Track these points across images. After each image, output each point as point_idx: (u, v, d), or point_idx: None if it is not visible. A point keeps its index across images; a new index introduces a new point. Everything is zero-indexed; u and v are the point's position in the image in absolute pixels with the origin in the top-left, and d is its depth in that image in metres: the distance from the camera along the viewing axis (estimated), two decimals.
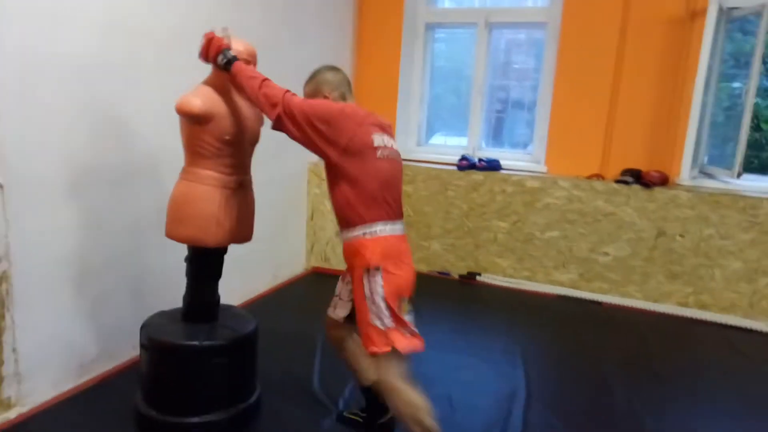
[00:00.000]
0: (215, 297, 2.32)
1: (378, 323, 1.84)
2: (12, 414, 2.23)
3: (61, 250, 2.38)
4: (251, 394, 2.33)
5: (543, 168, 4.33)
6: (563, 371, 3.00)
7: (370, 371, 2.05)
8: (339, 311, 2.17)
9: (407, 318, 1.90)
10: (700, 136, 3.94)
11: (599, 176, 4.13)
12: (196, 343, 2.15)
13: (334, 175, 1.91)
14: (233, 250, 2.34)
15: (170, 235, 2.17)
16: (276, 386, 2.55)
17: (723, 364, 3.16)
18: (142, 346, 2.23)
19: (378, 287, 1.83)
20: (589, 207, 4.04)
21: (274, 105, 1.88)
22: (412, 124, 4.83)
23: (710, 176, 4.01)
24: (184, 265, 2.28)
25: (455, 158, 4.44)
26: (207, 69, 2.21)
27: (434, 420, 1.89)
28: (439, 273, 4.46)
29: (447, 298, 4.01)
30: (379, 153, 1.90)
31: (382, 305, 1.83)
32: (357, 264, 1.88)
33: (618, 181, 3.97)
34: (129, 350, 2.74)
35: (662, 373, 2.97)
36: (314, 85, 2.04)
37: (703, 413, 2.62)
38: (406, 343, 1.86)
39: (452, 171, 4.36)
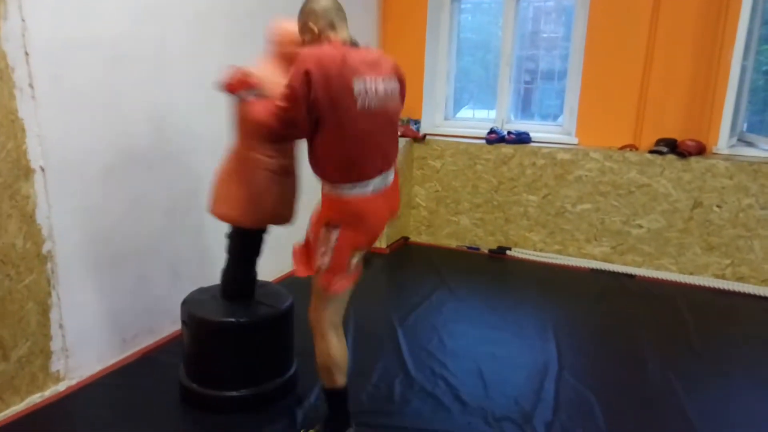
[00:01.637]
0: (253, 274, 2.37)
1: (321, 264, 1.85)
2: (61, 387, 2.34)
3: (101, 231, 2.45)
4: (288, 369, 2.39)
5: (574, 140, 4.25)
6: (596, 345, 2.99)
7: (310, 313, 2.00)
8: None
9: (353, 264, 1.90)
10: (739, 103, 3.80)
11: (632, 147, 4.03)
12: (233, 319, 2.21)
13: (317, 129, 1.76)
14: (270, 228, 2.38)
15: (211, 211, 2.23)
16: (311, 361, 2.60)
17: (761, 337, 3.09)
18: (183, 321, 2.30)
19: (332, 239, 1.82)
20: (622, 179, 3.95)
21: (261, 117, 1.83)
22: (438, 98, 4.77)
23: (750, 144, 3.88)
24: (219, 245, 2.33)
25: (483, 132, 4.39)
26: (235, 53, 2.23)
27: (344, 379, 1.96)
28: (469, 248, 4.45)
29: (477, 273, 4.01)
30: (359, 103, 1.71)
31: (328, 254, 1.84)
32: (321, 216, 1.87)
33: (652, 152, 3.87)
34: (168, 325, 2.84)
35: (698, 347, 2.93)
36: (301, 21, 1.85)
37: (741, 388, 2.58)
38: (339, 285, 1.87)
39: (481, 145, 4.31)
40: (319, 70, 1.66)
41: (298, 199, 2.33)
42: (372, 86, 1.76)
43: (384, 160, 1.88)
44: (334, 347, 1.94)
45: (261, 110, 1.84)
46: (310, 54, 1.70)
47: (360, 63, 1.75)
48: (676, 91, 3.90)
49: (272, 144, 2.10)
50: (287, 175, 2.22)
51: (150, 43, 2.57)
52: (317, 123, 1.73)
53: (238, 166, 2.15)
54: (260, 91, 1.94)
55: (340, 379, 1.97)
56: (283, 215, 2.28)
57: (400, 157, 4.29)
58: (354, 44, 1.85)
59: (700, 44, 3.79)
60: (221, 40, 2.97)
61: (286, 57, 2.04)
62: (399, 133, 2.02)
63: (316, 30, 1.82)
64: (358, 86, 1.71)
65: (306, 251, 1.95)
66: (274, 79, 2.00)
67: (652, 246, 3.95)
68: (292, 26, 2.01)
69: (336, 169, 1.80)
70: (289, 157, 2.21)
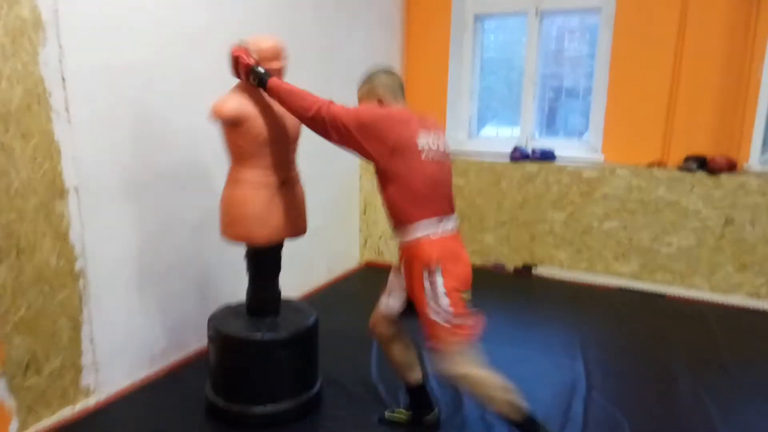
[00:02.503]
0: (276, 292, 2.39)
1: (439, 319, 1.90)
2: (91, 401, 2.39)
3: (131, 249, 2.52)
4: (313, 386, 2.40)
5: (600, 157, 4.21)
6: (625, 364, 2.92)
7: (442, 366, 1.99)
8: (392, 302, 2.18)
9: (468, 304, 1.97)
10: None
11: (660, 164, 3.97)
12: (257, 335, 2.23)
13: (382, 177, 1.98)
14: (290, 244, 2.41)
15: (223, 234, 2.26)
16: (336, 378, 2.61)
17: None
18: (209, 337, 2.34)
19: (439, 285, 1.89)
20: (650, 196, 3.89)
21: (310, 112, 1.95)
22: (462, 117, 4.79)
23: None
24: (243, 262, 2.37)
25: (507, 150, 4.38)
26: None
27: (521, 398, 1.95)
28: (494, 266, 4.42)
29: (502, 291, 3.97)
30: (424, 155, 1.94)
31: (444, 301, 1.89)
32: (416, 264, 1.93)
33: (681, 168, 3.81)
34: (195, 342, 2.88)
35: (731, 367, 2.84)
36: (369, 87, 2.09)
37: None
38: (469, 331, 1.94)
39: (505, 163, 4.30)
40: (396, 111, 1.99)
41: (305, 206, 2.36)
42: (433, 142, 1.99)
43: (450, 205, 2.04)
44: (492, 378, 1.96)
45: (313, 104, 1.95)
46: (387, 112, 2.00)
47: (421, 124, 1.99)
48: (705, 106, 3.84)
49: (267, 160, 2.15)
50: (289, 187, 2.25)
51: (179, 67, 2.65)
52: (385, 175, 1.95)
53: (237, 188, 2.17)
54: (260, 72, 2.05)
55: (517, 399, 1.95)
56: (295, 227, 2.30)
57: None
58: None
59: (728, 58, 3.74)
60: None
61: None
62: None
63: (384, 100, 2.06)
64: (421, 141, 1.95)
65: (426, 323, 1.95)
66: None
67: (683, 264, 3.86)
68: (262, 42, 2.11)
69: (416, 207, 1.94)
70: (287, 169, 2.24)
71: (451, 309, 1.90)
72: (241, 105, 2.10)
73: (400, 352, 2.23)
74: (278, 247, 2.34)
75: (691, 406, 2.49)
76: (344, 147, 2.00)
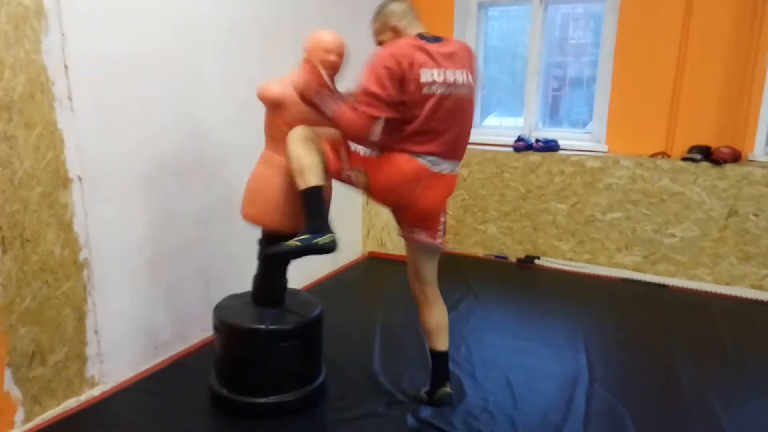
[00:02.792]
0: (282, 282, 2.39)
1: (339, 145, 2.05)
2: (96, 392, 2.40)
3: (135, 239, 2.51)
4: (317, 377, 2.40)
5: (603, 147, 4.19)
6: (628, 356, 2.93)
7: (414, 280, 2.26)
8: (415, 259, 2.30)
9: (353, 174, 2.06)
10: None
11: (664, 154, 3.96)
12: (262, 326, 2.23)
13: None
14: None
15: (241, 213, 2.30)
16: (339, 369, 2.62)
17: None
18: (214, 327, 2.34)
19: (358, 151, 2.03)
20: (653, 186, 3.88)
21: (351, 119, 1.93)
22: None
23: None
24: (249, 253, 2.37)
25: (511, 139, 4.36)
26: (266, 66, 2.28)
27: (319, 179, 2.02)
28: (496, 257, 4.42)
29: (505, 282, 3.97)
30: (426, 89, 1.89)
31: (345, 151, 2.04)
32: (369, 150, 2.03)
33: (685, 159, 3.79)
34: (199, 333, 2.88)
35: (734, 359, 2.85)
36: (381, 20, 2.07)
37: None
38: (334, 164, 2.06)
39: (508, 153, 4.29)
40: (393, 60, 1.86)
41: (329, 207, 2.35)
42: (441, 76, 1.91)
43: (448, 148, 1.99)
44: (303, 151, 2.01)
45: (350, 119, 1.93)
46: (384, 50, 1.92)
47: (430, 55, 1.90)
48: (710, 96, 3.82)
49: None
50: None
51: (183, 56, 2.63)
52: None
53: (266, 170, 2.23)
54: (327, 92, 2.02)
55: (312, 179, 2.02)
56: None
57: None
58: (430, 37, 1.98)
59: (733, 47, 3.71)
60: (252, 53, 3.02)
61: (323, 64, 2.13)
62: (472, 124, 2.12)
63: (398, 27, 2.02)
64: (425, 76, 1.88)
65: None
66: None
67: (686, 255, 3.86)
68: (324, 35, 2.15)
69: (393, 140, 1.95)
70: None
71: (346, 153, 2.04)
72: (285, 90, 2.15)
73: (426, 315, 2.33)
74: (293, 236, 2.33)
75: (694, 398, 2.50)
76: (397, 115, 1.93)
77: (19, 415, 2.12)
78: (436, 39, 1.98)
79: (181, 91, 2.64)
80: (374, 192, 2.08)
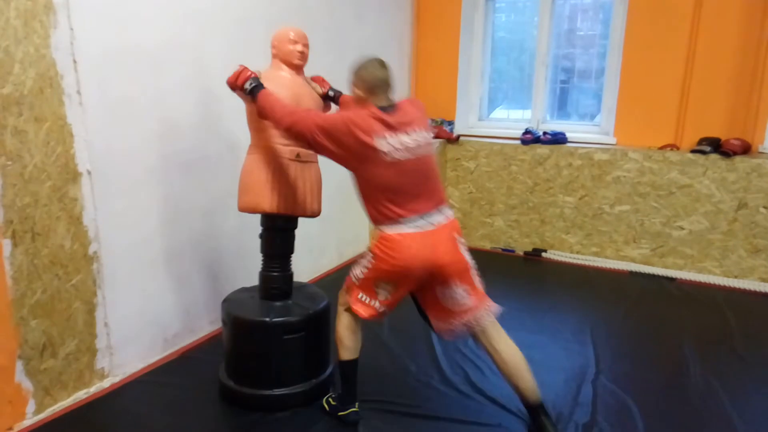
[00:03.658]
0: (287, 273, 2.40)
1: (355, 276, 2.14)
2: (106, 383, 2.42)
3: (144, 232, 2.53)
4: (324, 370, 2.41)
5: (612, 139, 4.16)
6: (635, 349, 2.92)
7: (338, 305, 2.23)
8: None
9: (381, 294, 2.10)
10: None
11: (673, 146, 3.93)
12: (267, 319, 2.24)
13: (353, 179, 2.07)
14: (303, 228, 2.41)
15: (238, 206, 2.32)
16: None
17: None
18: (222, 320, 2.36)
19: (364, 264, 2.10)
20: (662, 179, 3.86)
21: (284, 124, 2.06)
22: (472, 99, 4.74)
23: None
24: (257, 247, 2.37)
25: (518, 132, 4.34)
26: (271, 56, 2.29)
27: (352, 355, 2.19)
28: (503, 250, 4.41)
29: (512, 275, 3.97)
30: (389, 158, 1.96)
31: (362, 271, 2.11)
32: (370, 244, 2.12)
33: (694, 151, 3.77)
34: (207, 325, 2.90)
35: (743, 352, 2.84)
36: (353, 78, 2.10)
37: None
38: (361, 306, 2.12)
39: (516, 145, 4.27)
40: (350, 132, 1.95)
41: (321, 189, 2.38)
42: (401, 141, 1.98)
43: (425, 202, 2.04)
44: (346, 327, 2.17)
45: (288, 117, 2.05)
46: (346, 119, 1.99)
47: (387, 124, 1.97)
48: (720, 88, 3.78)
49: (277, 133, 2.22)
50: (305, 162, 2.29)
51: (190, 49, 2.64)
52: (354, 178, 2.05)
53: (250, 157, 2.28)
54: (258, 80, 2.13)
55: (345, 354, 2.19)
56: (307, 204, 2.32)
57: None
58: (387, 107, 2.03)
59: (744, 39, 3.67)
60: (258, 45, 3.01)
61: (286, 59, 2.26)
62: (438, 173, 2.21)
63: (358, 93, 2.07)
64: (383, 144, 1.95)
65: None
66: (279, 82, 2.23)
67: (695, 248, 3.84)
68: (288, 30, 2.28)
69: (375, 212, 2.05)
70: (300, 144, 2.27)
71: (360, 277, 2.11)
72: (262, 77, 2.20)
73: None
74: (290, 224, 2.35)
75: (702, 391, 2.49)
76: (322, 154, 2.08)
77: (31, 407, 2.15)
78: (392, 107, 2.04)
79: (189, 84, 2.65)
80: (399, 277, 2.08)
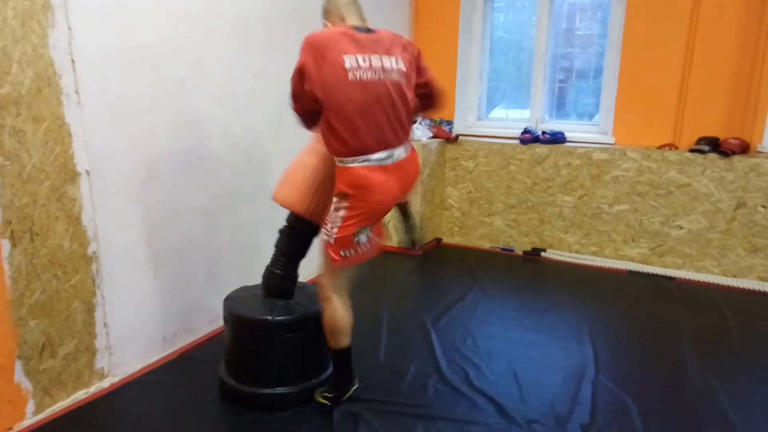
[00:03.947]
0: (294, 274, 2.40)
1: (328, 236, 2.05)
2: (105, 383, 2.42)
3: (143, 232, 2.53)
4: (324, 370, 2.41)
5: (610, 139, 4.17)
6: (634, 348, 2.92)
7: (319, 279, 2.17)
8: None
9: (362, 238, 2.04)
10: None
11: (672, 146, 3.93)
12: (269, 318, 2.24)
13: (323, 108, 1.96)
14: None
15: (274, 195, 2.33)
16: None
17: None
18: (224, 318, 2.36)
19: (340, 214, 2.00)
20: (661, 178, 3.86)
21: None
22: (471, 98, 4.75)
23: None
24: (255, 246, 2.38)
25: (517, 132, 4.35)
26: (271, 57, 2.28)
27: (349, 339, 2.17)
28: (502, 249, 4.42)
29: (511, 275, 3.97)
30: (351, 75, 1.88)
31: (334, 228, 2.02)
32: (335, 188, 2.04)
33: (693, 150, 3.77)
34: (206, 325, 2.90)
35: (741, 351, 2.84)
36: (323, 10, 2.09)
37: None
38: (343, 259, 2.06)
39: (514, 145, 4.27)
40: (312, 51, 1.88)
41: None
42: (367, 62, 1.90)
43: (389, 135, 1.99)
44: (338, 311, 2.13)
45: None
46: (307, 38, 1.92)
47: (356, 40, 1.92)
48: (718, 87, 3.79)
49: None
50: None
51: (189, 48, 2.63)
52: (320, 101, 1.92)
53: (309, 159, 2.28)
54: None
55: (343, 341, 2.16)
56: None
57: (432, 158, 4.30)
58: (362, 28, 2.00)
59: (742, 37, 3.68)
60: (258, 45, 3.02)
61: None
62: (411, 109, 2.10)
63: (329, 25, 2.06)
64: (349, 61, 1.88)
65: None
66: None
67: (693, 247, 3.85)
68: None
69: (339, 142, 1.95)
70: None
71: (336, 235, 2.01)
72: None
73: (345, 314, 2.25)
74: (313, 230, 2.35)
75: (701, 390, 2.49)
76: (313, 106, 1.97)
77: (30, 407, 2.15)
78: (369, 30, 2.00)
79: (188, 84, 2.65)
80: (376, 215, 2.07)
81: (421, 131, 4.28)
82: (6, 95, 1.95)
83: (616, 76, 4.08)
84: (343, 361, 2.23)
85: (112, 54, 2.28)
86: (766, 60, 3.60)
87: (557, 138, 4.18)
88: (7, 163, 1.99)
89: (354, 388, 2.26)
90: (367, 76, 1.90)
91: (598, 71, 4.36)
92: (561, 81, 4.66)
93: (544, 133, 4.24)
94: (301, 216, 2.28)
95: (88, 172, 2.25)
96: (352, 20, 2.04)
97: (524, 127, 4.37)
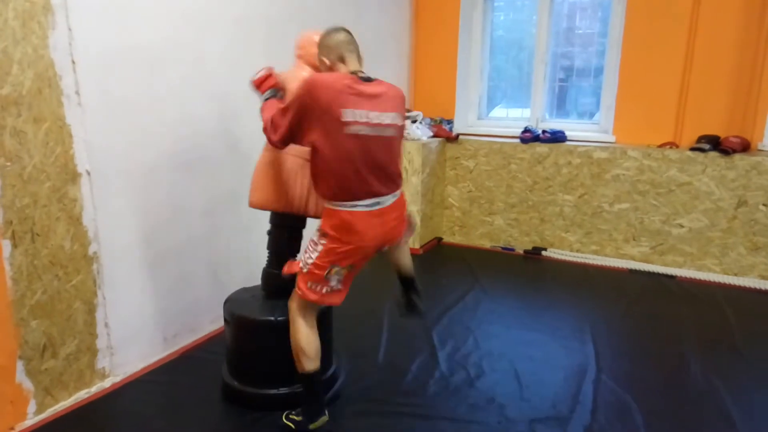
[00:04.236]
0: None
1: (303, 265, 2.02)
2: (107, 383, 2.42)
3: (143, 232, 2.53)
4: (327, 369, 2.41)
5: (611, 138, 4.17)
6: (635, 347, 2.92)
7: (290, 301, 2.13)
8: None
9: (333, 279, 2.00)
10: None
11: (673, 144, 3.93)
12: (271, 318, 2.24)
13: (314, 149, 1.92)
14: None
15: (249, 201, 2.31)
16: (348, 360, 2.63)
17: None
18: (225, 319, 2.36)
19: (317, 250, 1.97)
20: (661, 177, 3.86)
21: (265, 127, 2.01)
22: (471, 98, 4.75)
23: None
24: (256, 246, 2.38)
25: (518, 131, 4.35)
26: (271, 57, 2.29)
27: (312, 365, 2.06)
28: (503, 248, 4.41)
29: (512, 274, 3.97)
30: (348, 129, 1.85)
31: (309, 260, 2.00)
32: (320, 224, 2.02)
33: (693, 149, 3.77)
34: (208, 325, 2.90)
35: (743, 349, 2.84)
36: (319, 55, 2.04)
37: None
38: (311, 294, 2.02)
39: (515, 144, 4.27)
40: (314, 95, 1.84)
41: None
42: (365, 117, 1.89)
43: (379, 187, 1.97)
44: (303, 335, 2.06)
45: (266, 116, 2.03)
46: (310, 80, 1.88)
47: (358, 94, 1.89)
48: (719, 85, 3.78)
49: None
50: None
51: (189, 48, 2.63)
52: (312, 146, 1.90)
53: (271, 157, 2.26)
54: (281, 93, 2.15)
55: (308, 365, 2.07)
56: (317, 206, 2.31)
57: (432, 157, 4.30)
58: (363, 77, 1.96)
59: (743, 36, 3.67)
60: (258, 45, 3.02)
61: (311, 62, 2.22)
62: (401, 161, 2.15)
63: (327, 62, 2.00)
64: (349, 115, 1.85)
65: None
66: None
67: (694, 246, 3.84)
68: (315, 34, 2.18)
69: (326, 188, 1.94)
70: None
71: (309, 266, 1.99)
72: (285, 77, 2.20)
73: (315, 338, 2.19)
74: (299, 223, 2.36)
75: (702, 388, 2.49)
76: (289, 137, 1.97)
77: (32, 407, 2.15)
78: (368, 79, 1.96)
79: (188, 84, 2.65)
80: (355, 258, 2.01)
81: (421, 130, 4.27)
82: (6, 96, 1.95)
83: (617, 74, 4.08)
84: (310, 387, 2.10)
85: (112, 55, 2.28)
86: (767, 58, 3.60)
87: (558, 137, 4.18)
88: (8, 163, 1.99)
89: (323, 420, 2.09)
90: (364, 131, 1.88)
91: (599, 70, 4.36)
92: (561, 80, 4.65)
93: (544, 132, 4.24)
94: (282, 212, 2.28)
95: (88, 173, 2.25)
96: (353, 63, 1.99)
97: (525, 126, 4.36)
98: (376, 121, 1.91)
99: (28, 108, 2.02)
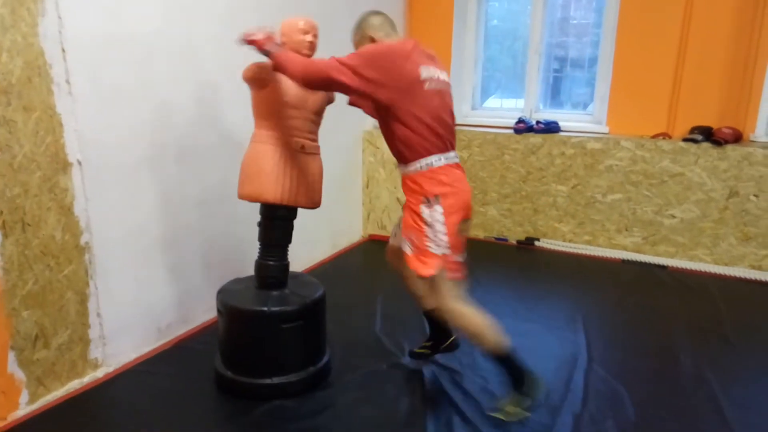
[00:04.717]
0: (284, 262, 2.40)
1: (435, 249, 2.00)
2: (99, 373, 2.42)
3: (136, 222, 2.52)
4: (320, 359, 2.42)
5: (604, 128, 4.17)
6: (626, 337, 2.95)
7: (428, 298, 2.14)
8: (398, 239, 2.28)
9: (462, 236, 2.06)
10: None
11: (666, 135, 3.94)
12: (265, 308, 2.25)
13: (387, 114, 2.02)
14: (297, 218, 2.41)
15: (239, 194, 2.31)
16: (341, 350, 2.64)
17: None
18: (218, 310, 2.36)
19: (438, 215, 1.98)
20: (654, 168, 3.87)
21: (307, 68, 1.97)
22: (466, 87, 4.73)
23: None
24: (250, 236, 2.38)
25: (512, 121, 4.34)
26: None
27: (502, 336, 2.05)
28: (496, 239, 4.43)
29: (505, 264, 3.99)
30: (426, 85, 1.99)
31: (441, 231, 1.99)
32: (416, 196, 2.04)
33: (686, 140, 3.78)
34: (201, 315, 2.90)
35: (733, 339, 2.87)
36: (360, 33, 2.17)
37: None
38: (458, 273, 2.05)
39: (509, 134, 4.27)
40: (390, 59, 1.96)
41: (322, 181, 2.39)
42: (435, 74, 2.04)
43: (452, 138, 2.10)
44: (471, 318, 2.06)
45: (303, 62, 2.00)
46: (386, 42, 2.05)
47: (426, 54, 2.06)
48: (712, 77, 3.79)
49: (289, 122, 2.23)
50: (308, 155, 2.31)
51: (180, 37, 2.61)
52: (388, 109, 1.99)
53: (255, 145, 2.26)
54: (284, 47, 2.13)
55: (499, 341, 2.05)
56: (307, 196, 2.33)
57: None
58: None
59: (736, 27, 3.67)
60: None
61: (295, 48, 2.21)
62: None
63: (376, 38, 2.11)
64: (425, 72, 1.99)
65: (417, 251, 2.04)
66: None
67: (686, 236, 3.87)
68: (298, 20, 2.25)
69: (422, 143, 2.00)
70: (305, 137, 2.30)
71: (445, 240, 1.99)
72: (260, 69, 2.17)
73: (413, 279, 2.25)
74: (290, 214, 2.35)
75: (693, 378, 2.52)
76: (353, 94, 2.08)
77: (24, 397, 2.15)
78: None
79: (181, 73, 2.63)
80: (465, 210, 2.08)
81: None
82: None
83: (611, 65, 4.08)
84: (512, 363, 2.07)
85: (103, 43, 2.26)
86: (760, 50, 3.60)
87: (551, 127, 4.18)
88: None
89: (541, 383, 2.09)
90: (435, 86, 2.03)
91: (593, 61, 4.35)
92: (555, 70, 4.65)
93: (538, 122, 4.24)
94: (273, 203, 2.27)
95: (80, 162, 2.24)
96: (396, 36, 2.16)
97: (518, 116, 4.36)
98: (441, 77, 2.07)
99: (17, 97, 2.00)
